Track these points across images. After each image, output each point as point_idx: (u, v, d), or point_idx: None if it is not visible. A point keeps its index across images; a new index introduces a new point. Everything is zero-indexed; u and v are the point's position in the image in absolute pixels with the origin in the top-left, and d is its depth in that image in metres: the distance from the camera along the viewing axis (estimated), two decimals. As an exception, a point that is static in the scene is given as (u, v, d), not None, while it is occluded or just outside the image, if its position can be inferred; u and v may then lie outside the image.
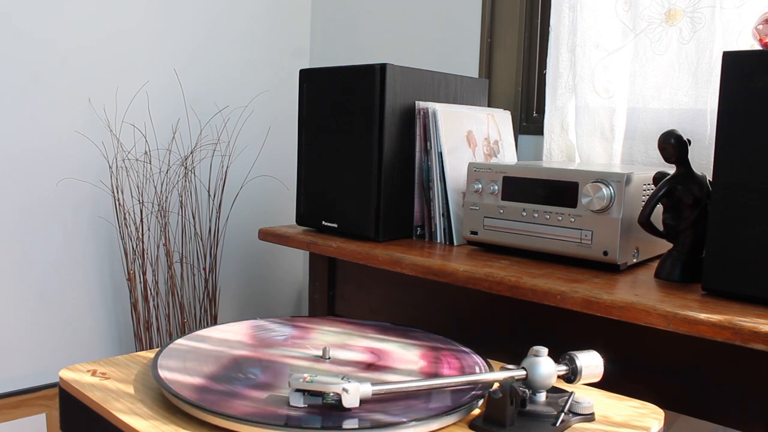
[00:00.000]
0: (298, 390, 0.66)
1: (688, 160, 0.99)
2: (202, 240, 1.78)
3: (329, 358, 0.80)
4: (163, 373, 0.72)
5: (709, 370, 0.90)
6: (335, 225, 1.30)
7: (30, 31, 1.49)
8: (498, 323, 1.11)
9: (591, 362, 0.73)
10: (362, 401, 0.66)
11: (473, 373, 0.74)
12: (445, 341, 0.87)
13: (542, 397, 0.72)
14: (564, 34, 1.39)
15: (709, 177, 1.04)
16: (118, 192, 1.63)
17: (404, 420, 0.63)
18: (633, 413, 0.72)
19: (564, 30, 1.39)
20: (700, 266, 0.98)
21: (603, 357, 0.92)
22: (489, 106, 1.59)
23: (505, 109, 1.46)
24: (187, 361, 0.77)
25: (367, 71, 1.22)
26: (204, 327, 0.90)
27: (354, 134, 1.25)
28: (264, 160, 1.93)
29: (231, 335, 0.87)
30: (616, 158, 1.34)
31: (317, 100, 1.31)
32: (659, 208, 1.07)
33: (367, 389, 0.65)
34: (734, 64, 0.86)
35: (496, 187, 1.14)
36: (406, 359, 0.80)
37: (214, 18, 1.79)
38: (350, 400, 0.64)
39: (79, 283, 1.62)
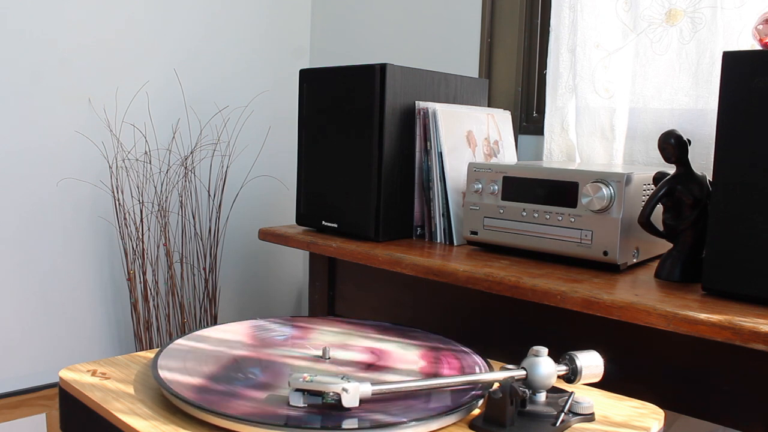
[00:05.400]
0: (297, 390, 0.66)
1: (688, 160, 0.99)
2: (202, 240, 1.78)
3: (329, 358, 0.80)
4: (163, 373, 0.72)
5: (709, 370, 0.90)
6: (335, 225, 1.30)
7: (30, 31, 1.48)
8: (498, 323, 1.11)
9: (591, 362, 0.73)
10: (362, 401, 0.66)
11: (473, 373, 0.74)
12: (445, 341, 0.87)
13: (542, 397, 0.72)
14: (564, 34, 1.39)
15: (709, 177, 1.04)
16: (118, 192, 1.63)
17: (404, 420, 0.63)
18: (633, 413, 0.72)
19: (564, 30, 1.39)
20: (700, 266, 0.98)
21: (603, 357, 0.92)
22: (489, 106, 1.59)
23: (505, 109, 1.46)
24: (187, 361, 0.77)
25: (367, 71, 1.22)
26: (204, 327, 0.90)
27: (354, 134, 1.25)
28: (264, 160, 1.93)
29: (231, 335, 0.87)
30: (616, 158, 1.34)
31: (317, 100, 1.31)
32: (659, 208, 1.07)
33: (366, 389, 0.65)
34: (734, 64, 0.86)
35: (496, 187, 1.14)
36: (406, 359, 0.80)
37: (214, 18, 1.79)
38: (350, 400, 0.64)
39: (79, 283, 1.62)
